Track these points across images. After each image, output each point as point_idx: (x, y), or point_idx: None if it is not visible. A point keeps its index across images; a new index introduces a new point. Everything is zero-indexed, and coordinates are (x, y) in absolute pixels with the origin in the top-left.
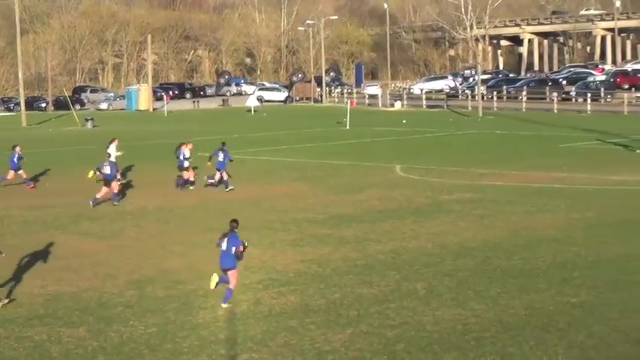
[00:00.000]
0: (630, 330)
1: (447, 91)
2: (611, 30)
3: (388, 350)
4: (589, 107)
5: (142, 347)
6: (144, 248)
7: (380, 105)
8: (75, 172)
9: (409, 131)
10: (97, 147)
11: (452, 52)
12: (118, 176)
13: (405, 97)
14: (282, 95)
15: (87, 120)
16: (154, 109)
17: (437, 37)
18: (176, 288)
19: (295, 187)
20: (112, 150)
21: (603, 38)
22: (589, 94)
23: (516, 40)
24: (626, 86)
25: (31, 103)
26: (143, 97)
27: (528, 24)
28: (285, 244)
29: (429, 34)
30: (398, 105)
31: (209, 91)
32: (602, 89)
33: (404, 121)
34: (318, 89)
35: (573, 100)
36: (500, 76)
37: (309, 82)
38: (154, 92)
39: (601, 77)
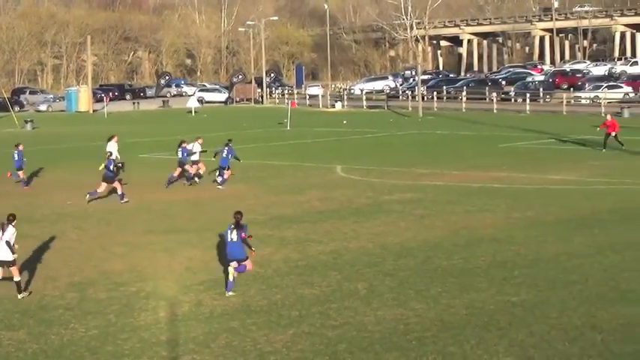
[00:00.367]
0: (569, 328)
1: (388, 91)
2: (550, 30)
3: (330, 351)
4: (528, 107)
5: (83, 350)
6: (85, 250)
7: (321, 106)
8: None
9: (350, 132)
10: (37, 149)
11: (392, 53)
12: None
13: (345, 97)
14: (222, 96)
15: (26, 122)
16: (94, 111)
17: (377, 38)
18: (117, 290)
19: (236, 188)
20: (113, 147)
21: (542, 39)
22: (528, 95)
23: (456, 41)
24: (565, 86)
25: None
26: (83, 98)
27: (468, 24)
28: None
29: (369, 34)
30: (338, 106)
31: (149, 92)
32: (541, 89)
33: (344, 122)
34: (259, 90)
35: (513, 100)
36: (440, 76)
37: (250, 83)
38: (94, 94)
39: (540, 77)
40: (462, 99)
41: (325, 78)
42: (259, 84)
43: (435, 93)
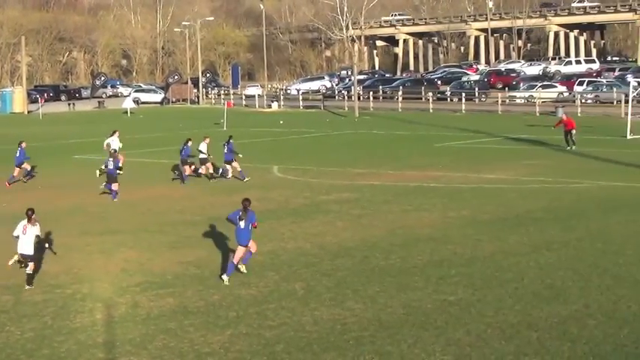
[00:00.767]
0: (506, 326)
1: (324, 91)
2: (485, 30)
3: (267, 351)
4: (464, 107)
5: (19, 353)
6: None
7: (257, 106)
8: None
9: (286, 132)
10: None
11: (328, 53)
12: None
13: (281, 97)
14: (158, 97)
15: None
16: (28, 112)
17: (313, 38)
18: (53, 292)
19: (172, 189)
20: (115, 142)
21: (477, 38)
22: (464, 94)
23: (392, 41)
24: (500, 86)
25: None
26: (17, 99)
27: (403, 24)
28: (163, 246)
29: (305, 34)
30: (275, 106)
31: (85, 93)
32: (477, 89)
33: (281, 122)
34: (195, 90)
35: (448, 99)
36: (376, 76)
37: (186, 83)
38: (29, 94)
39: (475, 77)
40: (398, 99)
41: (262, 78)
42: (195, 84)
43: (371, 93)
